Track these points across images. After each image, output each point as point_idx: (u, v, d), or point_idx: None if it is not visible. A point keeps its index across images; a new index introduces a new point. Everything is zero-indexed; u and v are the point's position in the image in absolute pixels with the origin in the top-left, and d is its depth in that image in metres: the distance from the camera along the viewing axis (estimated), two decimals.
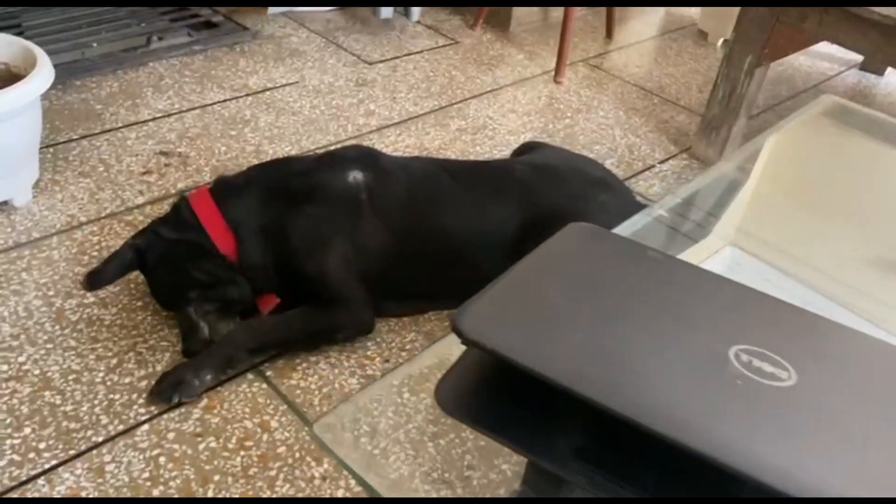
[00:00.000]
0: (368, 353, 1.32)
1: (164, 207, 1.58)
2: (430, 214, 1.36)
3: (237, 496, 1.07)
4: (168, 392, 1.18)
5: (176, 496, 1.06)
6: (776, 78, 2.45)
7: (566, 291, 0.63)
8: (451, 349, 0.68)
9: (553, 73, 2.32)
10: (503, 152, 1.91)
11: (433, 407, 0.67)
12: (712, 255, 0.94)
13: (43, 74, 1.46)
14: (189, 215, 1.29)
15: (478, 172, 1.44)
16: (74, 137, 1.76)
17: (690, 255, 0.89)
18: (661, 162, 1.95)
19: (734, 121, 1.87)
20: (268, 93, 2.04)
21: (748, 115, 1.91)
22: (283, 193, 1.32)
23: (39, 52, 1.51)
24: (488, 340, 0.54)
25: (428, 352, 0.84)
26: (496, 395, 0.60)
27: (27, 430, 1.12)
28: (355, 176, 1.34)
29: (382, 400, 0.72)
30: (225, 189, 1.32)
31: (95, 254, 1.45)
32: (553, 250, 0.68)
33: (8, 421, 1.13)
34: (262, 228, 1.29)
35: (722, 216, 1.09)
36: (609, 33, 2.65)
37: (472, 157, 1.87)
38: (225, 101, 1.98)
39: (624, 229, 0.84)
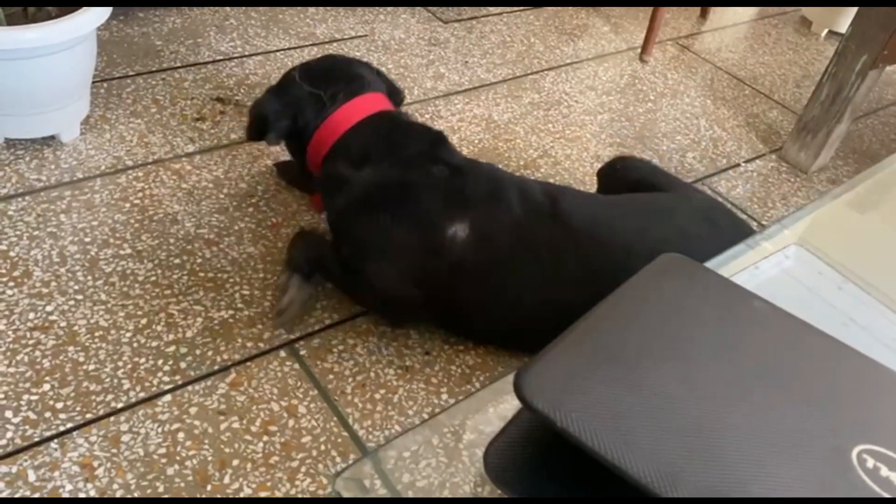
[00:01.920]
0: (410, 341, 1.22)
1: (215, 158, 1.51)
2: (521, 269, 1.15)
3: (254, 485, 1.00)
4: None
5: (190, 477, 0.99)
6: (883, 79, 2.24)
7: (654, 350, 0.51)
8: (506, 397, 0.58)
9: (639, 50, 2.15)
10: (576, 133, 1.77)
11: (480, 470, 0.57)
12: (775, 252, 0.82)
13: (98, 6, 1.38)
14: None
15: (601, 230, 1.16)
16: (130, 74, 1.69)
17: (754, 254, 0.76)
18: (748, 161, 1.79)
19: (835, 125, 1.70)
20: (335, 44, 1.93)
21: (851, 120, 1.73)
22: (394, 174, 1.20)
23: None
24: (558, 414, 0.44)
25: (476, 397, 0.73)
26: (557, 466, 0.50)
27: (46, 387, 1.07)
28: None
29: (420, 452, 0.62)
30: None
31: (138, 202, 1.38)
32: (640, 293, 0.57)
33: (28, 374, 1.08)
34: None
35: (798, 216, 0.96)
36: (704, 12, 2.46)
37: (542, 135, 1.74)
38: (290, 49, 1.88)
39: (724, 262, 0.72)
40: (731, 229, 1.20)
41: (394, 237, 1.15)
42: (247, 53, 1.83)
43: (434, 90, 1.84)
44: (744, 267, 0.73)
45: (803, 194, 1.71)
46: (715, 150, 1.81)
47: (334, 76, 1.30)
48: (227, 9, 1.97)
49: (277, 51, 1.86)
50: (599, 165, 1.68)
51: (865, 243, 0.87)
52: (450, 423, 0.63)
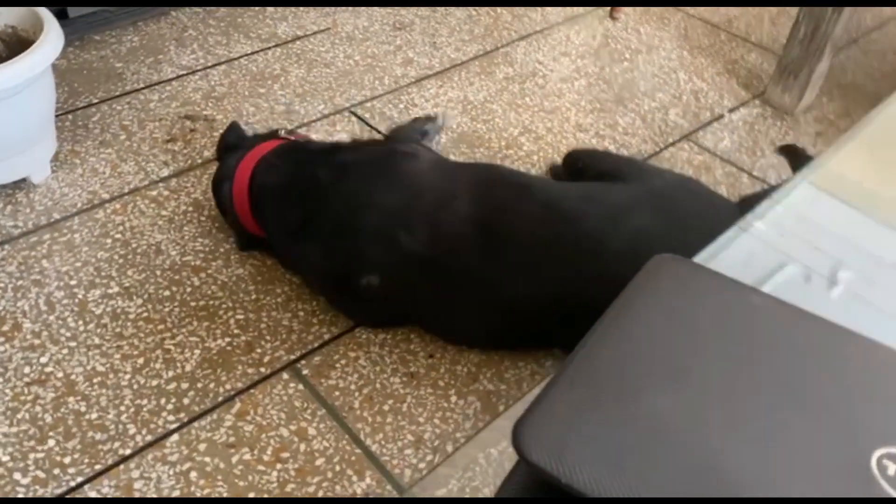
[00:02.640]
0: (412, 346, 1.21)
1: (191, 179, 1.48)
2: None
3: None
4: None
5: None
6: None
7: (656, 377, 0.49)
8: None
9: (609, 7, 2.10)
10: (555, 104, 1.74)
11: None
12: (787, 194, 0.80)
13: (51, 40, 1.33)
14: None
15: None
16: (94, 101, 1.65)
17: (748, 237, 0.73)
18: (731, 111, 1.76)
19: (816, 63, 1.66)
20: (298, 42, 1.88)
21: (833, 56, 1.69)
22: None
23: (47, 15, 1.37)
24: (562, 468, 0.42)
25: (489, 431, 0.71)
26: None
27: (51, 443, 1.05)
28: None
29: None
30: None
31: (119, 236, 1.35)
32: (634, 310, 0.55)
33: (31, 432, 1.06)
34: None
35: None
36: None
37: (520, 110, 1.71)
38: (253, 53, 1.83)
39: (717, 252, 0.70)
40: (698, 212, 1.14)
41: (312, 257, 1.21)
42: (210, 64, 1.78)
43: (405, 77, 1.80)
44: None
45: (792, 137, 1.68)
46: (697, 103, 1.78)
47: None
48: (185, 20, 1.92)
49: (241, 57, 1.82)
50: (582, 135, 1.65)
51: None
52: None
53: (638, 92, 1.80)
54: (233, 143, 1.35)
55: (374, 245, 1.12)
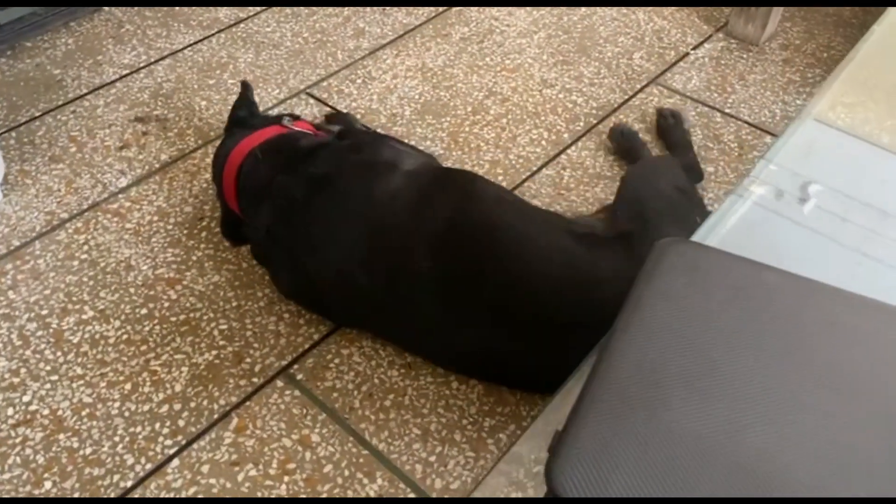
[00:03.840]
0: None
1: (152, 186, 1.42)
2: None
3: None
4: None
5: None
6: None
7: (682, 384, 0.47)
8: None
9: None
10: (516, 61, 1.69)
11: None
12: (793, 132, 0.78)
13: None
14: None
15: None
16: (37, 114, 1.56)
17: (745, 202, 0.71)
18: (696, 47, 1.72)
19: None
20: (242, 25, 1.80)
21: None
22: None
23: None
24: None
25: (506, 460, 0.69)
26: None
27: (48, 485, 1.02)
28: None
29: None
30: None
31: (85, 256, 1.29)
32: (648, 309, 0.52)
33: (25, 476, 1.02)
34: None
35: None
36: None
37: (482, 72, 1.65)
38: (196, 42, 1.75)
39: (716, 223, 0.67)
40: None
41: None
42: (153, 60, 1.70)
43: (358, 50, 1.73)
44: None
45: (760, 69, 1.66)
46: (660, 43, 1.74)
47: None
48: (120, 14, 1.82)
49: (184, 48, 1.73)
50: (549, 91, 1.61)
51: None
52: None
53: (599, 39, 1.75)
54: (242, 118, 1.32)
55: (334, 279, 1.11)
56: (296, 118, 1.31)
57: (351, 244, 1.09)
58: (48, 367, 1.14)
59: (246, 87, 1.36)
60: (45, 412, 1.09)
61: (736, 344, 0.52)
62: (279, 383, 1.12)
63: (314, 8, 1.85)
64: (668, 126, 1.46)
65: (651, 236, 1.03)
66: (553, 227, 1.09)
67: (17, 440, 1.06)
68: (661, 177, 1.22)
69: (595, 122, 1.54)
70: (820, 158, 0.71)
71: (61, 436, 1.06)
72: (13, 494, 1.00)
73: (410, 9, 1.85)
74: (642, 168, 1.31)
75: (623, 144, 1.46)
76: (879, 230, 0.65)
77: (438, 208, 1.08)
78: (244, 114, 1.33)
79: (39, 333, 1.18)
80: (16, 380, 1.13)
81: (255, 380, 1.12)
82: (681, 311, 0.53)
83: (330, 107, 1.58)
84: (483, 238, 1.05)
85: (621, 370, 0.47)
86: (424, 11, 1.84)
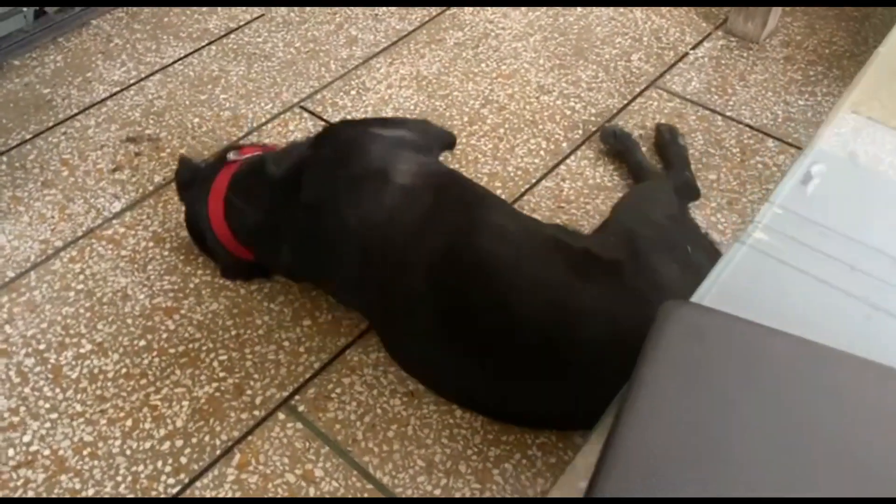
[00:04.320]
0: None
1: (146, 210, 1.40)
2: None
3: None
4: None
5: None
6: None
7: (697, 461, 0.46)
8: None
9: None
10: (512, 66, 1.66)
11: None
12: (830, 124, 0.76)
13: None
14: None
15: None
16: (28, 137, 1.54)
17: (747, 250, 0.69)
18: (695, 47, 1.69)
19: None
20: (233, 36, 1.77)
21: None
22: None
23: None
24: None
25: None
26: None
27: None
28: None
29: None
30: None
31: (81, 286, 1.28)
32: (657, 378, 0.51)
33: None
34: None
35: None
36: None
37: (477, 79, 1.63)
38: (186, 56, 1.72)
39: (718, 276, 0.65)
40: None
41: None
42: (143, 75, 1.67)
43: (351, 59, 1.70)
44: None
45: (761, 68, 1.63)
46: (659, 43, 1.70)
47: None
48: (108, 28, 1.79)
49: (175, 62, 1.70)
50: (546, 98, 1.58)
51: None
52: None
53: (596, 40, 1.72)
54: (189, 179, 1.26)
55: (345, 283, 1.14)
56: (238, 148, 1.26)
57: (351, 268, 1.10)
58: (47, 405, 1.13)
59: (181, 160, 1.30)
60: (46, 452, 1.08)
61: (743, 420, 0.50)
62: (281, 416, 1.11)
63: (305, 16, 1.82)
64: (665, 142, 1.43)
65: (642, 267, 1.02)
66: (545, 250, 1.07)
67: (20, 482, 1.05)
68: (652, 205, 1.20)
69: (594, 129, 1.51)
70: (826, 199, 0.69)
71: (63, 477, 1.06)
72: None
73: (403, 14, 1.81)
74: (633, 196, 1.29)
75: (616, 146, 1.43)
76: (889, 279, 0.63)
77: (437, 231, 1.07)
78: (188, 175, 1.27)
79: (38, 369, 1.17)
80: (15, 419, 1.12)
81: (256, 413, 1.11)
82: (687, 385, 0.52)
83: (325, 121, 1.56)
84: (473, 269, 1.04)
85: (632, 457, 0.46)
86: (418, 16, 1.81)
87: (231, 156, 1.23)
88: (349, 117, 1.56)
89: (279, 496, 1.03)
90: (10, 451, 1.08)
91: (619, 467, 0.46)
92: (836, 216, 0.68)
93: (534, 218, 1.24)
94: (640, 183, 1.37)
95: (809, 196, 0.70)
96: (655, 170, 1.40)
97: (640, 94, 1.58)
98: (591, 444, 0.61)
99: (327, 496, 1.02)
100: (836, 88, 1.57)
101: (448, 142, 1.35)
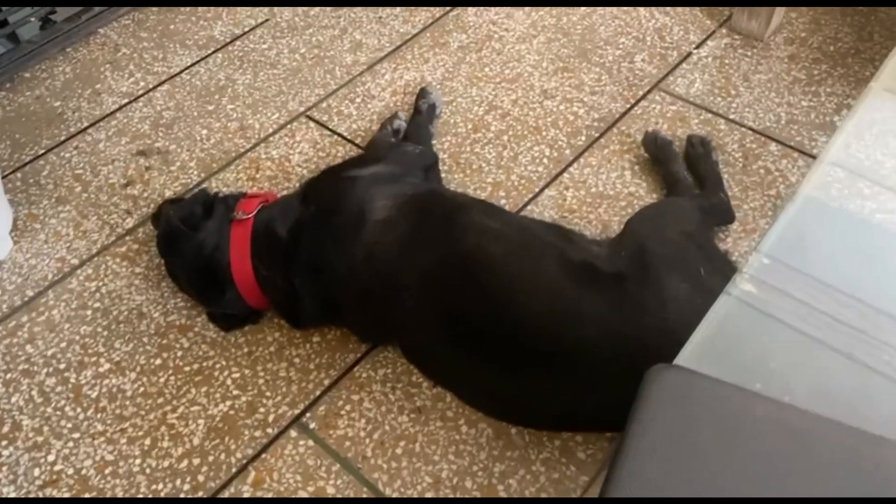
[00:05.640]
0: (414, 378, 1.20)
1: None
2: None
3: None
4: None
5: None
6: None
7: None
8: None
9: None
10: (516, 70, 1.66)
11: None
12: (860, 102, 0.78)
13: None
14: None
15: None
16: (41, 152, 1.57)
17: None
18: (699, 46, 1.68)
19: None
20: (238, 42, 1.78)
21: None
22: None
23: None
24: None
25: None
26: None
27: None
28: None
29: None
30: None
31: (98, 304, 1.32)
32: (642, 448, 0.54)
33: None
34: None
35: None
36: None
37: (481, 84, 1.64)
38: (193, 64, 1.74)
39: (706, 333, 0.67)
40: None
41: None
42: (151, 86, 1.69)
43: (356, 65, 1.71)
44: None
45: (765, 67, 1.62)
46: (662, 42, 1.70)
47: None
48: (115, 37, 1.81)
49: (182, 71, 1.72)
50: (549, 103, 1.59)
51: None
52: None
53: (600, 41, 1.72)
54: (175, 235, 1.23)
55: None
56: (237, 198, 1.26)
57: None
58: (69, 425, 1.18)
59: (164, 215, 1.27)
60: (70, 472, 1.13)
61: (722, 485, 0.53)
62: (293, 433, 1.15)
63: (310, 20, 1.82)
64: (697, 155, 1.40)
65: (649, 283, 1.04)
66: (549, 257, 1.10)
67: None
68: (670, 221, 1.20)
69: (596, 135, 1.52)
70: (816, 249, 0.71)
71: (86, 496, 1.10)
72: None
73: (407, 16, 1.82)
74: (653, 209, 1.29)
75: (655, 154, 1.43)
76: (871, 332, 0.65)
77: (425, 248, 1.12)
78: (174, 232, 1.23)
79: (59, 389, 1.22)
80: (39, 438, 1.17)
81: (269, 430, 1.15)
82: (670, 450, 0.55)
83: (330, 130, 1.58)
84: (463, 273, 1.08)
85: None
86: (421, 18, 1.81)
87: (239, 216, 1.21)
88: (355, 126, 1.57)
89: None
90: (36, 471, 1.13)
91: None
92: (823, 266, 0.70)
93: (529, 217, 1.29)
94: (668, 197, 1.37)
95: (797, 245, 0.71)
96: (689, 186, 1.36)
97: (643, 97, 1.58)
98: None
99: None
100: (838, 88, 1.56)
101: (428, 162, 1.36)
